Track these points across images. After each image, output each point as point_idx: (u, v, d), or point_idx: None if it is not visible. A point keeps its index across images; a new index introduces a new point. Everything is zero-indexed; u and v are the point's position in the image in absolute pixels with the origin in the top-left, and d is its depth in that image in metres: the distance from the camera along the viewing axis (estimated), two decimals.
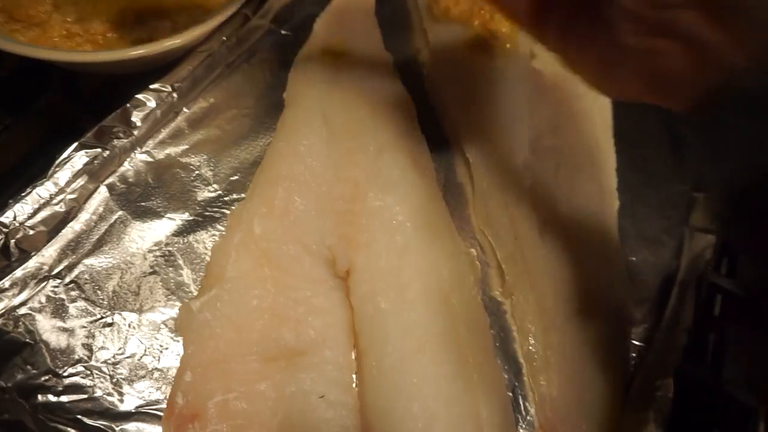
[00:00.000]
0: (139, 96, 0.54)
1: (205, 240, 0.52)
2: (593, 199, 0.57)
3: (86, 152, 0.50)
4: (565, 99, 0.62)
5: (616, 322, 0.52)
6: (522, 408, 0.48)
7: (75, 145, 0.50)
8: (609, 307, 0.52)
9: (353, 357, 0.47)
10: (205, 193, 0.54)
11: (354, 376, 0.46)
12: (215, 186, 0.54)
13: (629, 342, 0.52)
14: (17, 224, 0.48)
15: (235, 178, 0.55)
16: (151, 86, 0.54)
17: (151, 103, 0.54)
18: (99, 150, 0.51)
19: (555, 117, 0.61)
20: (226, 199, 0.54)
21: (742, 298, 0.58)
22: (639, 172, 0.62)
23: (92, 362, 0.45)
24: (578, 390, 0.48)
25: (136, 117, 0.53)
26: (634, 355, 0.51)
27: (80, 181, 0.50)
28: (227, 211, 0.53)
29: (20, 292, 0.47)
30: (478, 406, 0.44)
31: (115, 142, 0.52)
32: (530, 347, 0.50)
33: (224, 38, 0.59)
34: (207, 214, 0.53)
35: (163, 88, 0.55)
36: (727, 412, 0.54)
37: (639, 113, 0.65)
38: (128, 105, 0.53)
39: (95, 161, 0.51)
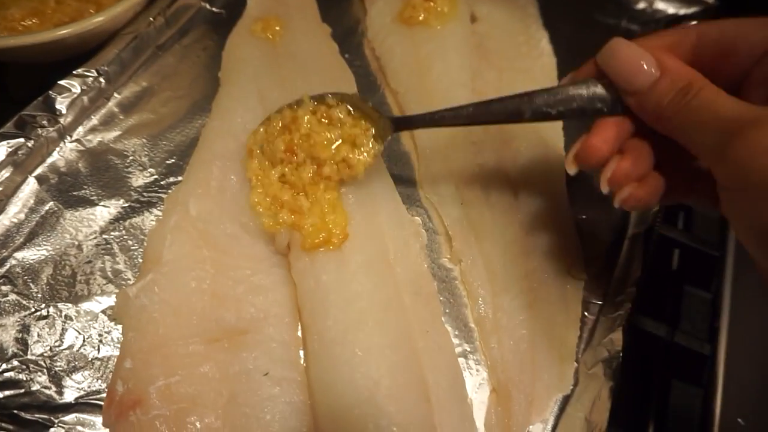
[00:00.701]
0: (62, 82, 0.52)
1: (143, 226, 0.50)
2: (539, 159, 0.56)
3: (8, 143, 0.49)
4: (508, 60, 0.62)
5: (566, 281, 0.51)
6: (475, 372, 0.47)
7: None
8: (559, 267, 0.52)
9: (299, 334, 0.46)
10: (140, 179, 0.52)
11: (301, 352, 0.46)
12: (151, 170, 0.53)
13: (581, 300, 0.51)
14: None
15: (172, 161, 0.54)
16: (75, 72, 0.53)
17: (76, 89, 0.52)
18: (22, 140, 0.49)
19: (498, 79, 0.60)
20: (162, 183, 0.53)
21: (700, 252, 0.58)
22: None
23: (28, 356, 0.43)
24: (530, 351, 0.48)
25: (61, 104, 0.51)
26: (586, 313, 0.51)
27: (5, 174, 0.49)
28: (164, 195, 0.52)
29: None
30: (423, 372, 0.43)
31: (40, 131, 0.50)
32: (480, 311, 0.50)
33: (151, 18, 0.57)
34: (143, 199, 0.51)
35: (88, 73, 0.53)
36: (684, 365, 0.54)
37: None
38: (50, 92, 0.51)
39: (19, 152, 0.49)
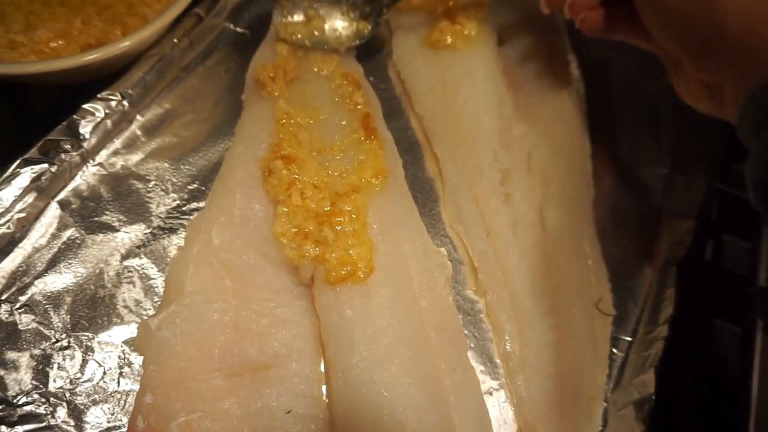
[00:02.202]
0: (86, 106, 0.51)
1: (164, 254, 0.50)
2: (567, 189, 0.55)
3: (32, 169, 0.48)
4: (535, 85, 0.60)
5: (594, 316, 0.50)
6: (501, 410, 0.46)
7: (18, 161, 0.48)
8: (587, 302, 0.50)
9: (322, 368, 0.45)
10: (162, 204, 0.52)
11: (323, 388, 0.45)
12: (173, 196, 0.52)
13: (609, 336, 0.50)
14: None
15: (194, 186, 0.53)
16: (99, 95, 0.52)
17: (100, 113, 0.52)
18: (46, 165, 0.49)
19: (525, 105, 0.59)
20: (184, 208, 0.52)
21: (729, 285, 0.57)
22: (615, 157, 0.60)
23: (48, 389, 0.43)
24: (557, 390, 0.47)
25: (85, 128, 0.51)
26: (615, 350, 0.49)
27: (28, 199, 0.48)
28: (186, 222, 0.51)
29: None
30: (450, 412, 0.42)
31: (63, 156, 0.50)
32: (507, 347, 0.49)
33: (176, 40, 0.57)
34: (165, 226, 0.51)
35: (112, 97, 0.52)
36: (714, 402, 0.53)
37: (614, 96, 0.64)
38: (75, 116, 0.51)
39: (43, 177, 0.49)
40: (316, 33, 0.54)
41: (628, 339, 0.50)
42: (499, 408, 0.46)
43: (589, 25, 0.51)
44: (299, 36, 0.55)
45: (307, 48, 0.58)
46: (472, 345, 0.49)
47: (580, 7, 0.50)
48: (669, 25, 0.44)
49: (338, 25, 0.55)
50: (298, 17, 0.55)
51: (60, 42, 0.55)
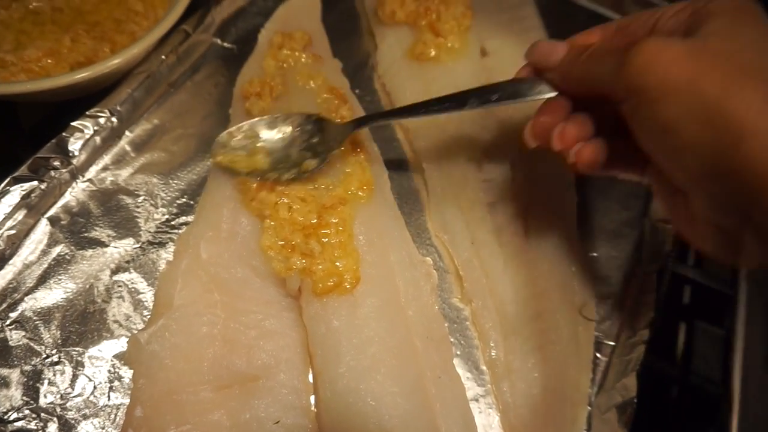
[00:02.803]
0: (75, 123, 0.52)
1: (153, 268, 0.50)
2: (550, 197, 0.56)
3: (22, 186, 0.49)
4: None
5: (578, 321, 0.51)
6: (487, 416, 0.47)
7: (8, 179, 0.49)
8: (570, 308, 0.51)
9: (310, 379, 0.46)
10: (152, 219, 0.53)
11: (312, 398, 0.45)
12: (162, 210, 0.53)
13: (593, 341, 0.51)
14: None
15: (183, 200, 0.54)
16: (88, 112, 0.53)
17: (89, 130, 0.52)
18: (35, 183, 0.49)
19: (509, 115, 0.60)
20: (173, 223, 0.53)
21: (711, 289, 0.58)
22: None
23: (39, 404, 0.43)
24: (542, 395, 0.48)
25: (74, 145, 0.52)
26: (598, 354, 0.50)
27: (18, 216, 0.49)
28: (175, 236, 0.52)
29: None
30: (436, 420, 0.43)
31: (53, 173, 0.51)
32: (492, 353, 0.49)
33: (163, 57, 0.58)
34: (154, 240, 0.51)
35: (101, 114, 0.53)
36: (697, 405, 0.54)
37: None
38: (64, 134, 0.52)
39: (32, 194, 0.49)
40: (256, 166, 0.51)
41: (611, 344, 0.51)
42: (485, 415, 0.47)
43: (585, 161, 0.42)
44: (235, 162, 0.52)
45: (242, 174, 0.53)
46: (458, 352, 0.49)
47: (571, 138, 0.42)
48: (685, 163, 0.35)
49: (281, 163, 0.51)
50: (240, 149, 0.52)
51: (49, 60, 0.56)
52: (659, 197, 0.43)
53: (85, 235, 0.51)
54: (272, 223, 0.49)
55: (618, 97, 0.38)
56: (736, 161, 0.32)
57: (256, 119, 0.54)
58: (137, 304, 0.48)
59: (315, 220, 0.50)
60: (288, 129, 0.53)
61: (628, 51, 0.36)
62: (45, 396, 0.44)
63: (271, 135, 0.53)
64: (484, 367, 0.49)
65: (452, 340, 0.50)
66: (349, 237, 0.49)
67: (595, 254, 0.55)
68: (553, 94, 0.45)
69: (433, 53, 0.61)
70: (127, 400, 0.44)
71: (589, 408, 0.47)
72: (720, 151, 0.33)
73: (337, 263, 0.48)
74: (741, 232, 0.35)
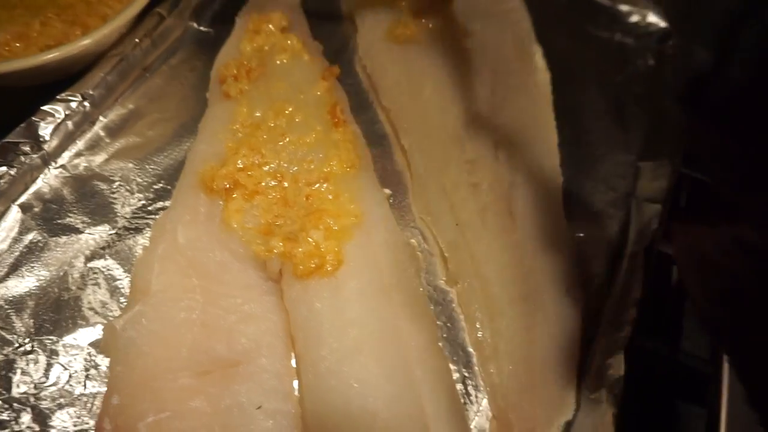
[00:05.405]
0: (46, 108, 0.51)
1: (130, 254, 0.49)
2: (535, 178, 0.55)
3: None
4: (501, 75, 0.61)
5: (564, 302, 0.50)
6: (474, 399, 0.46)
7: None
8: (557, 288, 0.51)
9: (293, 363, 0.45)
10: (128, 205, 0.51)
11: (295, 383, 0.44)
12: (138, 196, 0.52)
13: (580, 322, 0.50)
14: None
15: (160, 185, 0.52)
16: (58, 96, 0.51)
17: (60, 114, 0.51)
18: (5, 168, 0.48)
19: (491, 95, 0.59)
20: (150, 208, 0.51)
21: None
22: (582, 145, 0.60)
23: (11, 395, 0.42)
24: (530, 376, 0.47)
25: (44, 130, 0.50)
26: (585, 334, 0.49)
27: None
28: (152, 221, 0.50)
29: None
30: (422, 402, 0.42)
31: (23, 158, 0.49)
32: (478, 335, 0.49)
33: (137, 40, 0.56)
34: (131, 226, 0.50)
35: (72, 98, 0.52)
36: (686, 383, 0.53)
37: (579, 85, 0.64)
38: (34, 118, 0.50)
39: (1, 180, 0.48)
40: None
41: (599, 324, 0.50)
42: (472, 397, 0.46)
43: None
44: None
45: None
46: (444, 335, 0.49)
47: None
48: None
49: None
50: None
51: (18, 44, 0.54)
52: None
53: (59, 221, 0.49)
54: (251, 205, 0.48)
55: None
56: None
57: None
58: (113, 291, 0.47)
59: (295, 200, 0.49)
60: None
61: None
62: (18, 386, 0.42)
63: None
64: (470, 349, 0.48)
65: (438, 323, 0.49)
66: (331, 217, 0.48)
67: (581, 234, 0.55)
68: None
69: (413, 35, 0.60)
70: (104, 389, 0.43)
71: (576, 388, 0.47)
72: None
73: (319, 245, 0.47)
74: None
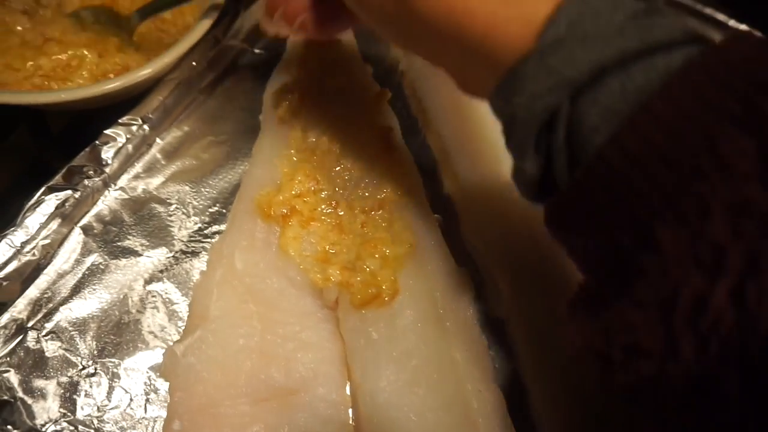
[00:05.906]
0: (108, 132, 0.52)
1: (187, 278, 0.50)
2: None
3: (56, 195, 0.48)
4: None
5: None
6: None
7: (43, 188, 0.48)
8: None
9: (347, 392, 0.45)
10: (184, 228, 0.52)
11: (350, 411, 0.45)
12: (194, 219, 0.52)
13: None
14: None
15: (215, 208, 0.53)
16: (120, 120, 0.52)
17: (121, 138, 0.52)
18: (69, 192, 0.49)
19: None
20: (206, 231, 0.52)
21: None
22: None
23: (76, 417, 0.43)
24: (580, 410, 0.46)
25: (107, 154, 0.51)
26: None
27: (53, 225, 0.48)
28: (208, 245, 0.51)
29: None
30: None
31: (86, 182, 0.50)
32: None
33: (194, 63, 0.57)
34: (187, 249, 0.51)
35: (133, 122, 0.53)
36: None
37: None
38: (97, 142, 0.51)
39: (66, 204, 0.49)
40: None
41: None
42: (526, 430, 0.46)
43: (308, 27, 0.47)
44: None
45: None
46: (496, 365, 0.48)
47: (294, 13, 0.47)
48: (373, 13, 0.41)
49: None
50: None
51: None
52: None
53: (118, 244, 0.50)
54: (308, 232, 0.48)
55: None
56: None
57: None
58: (171, 315, 0.48)
59: (350, 228, 0.49)
60: None
61: None
62: (82, 408, 0.43)
63: None
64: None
65: (491, 352, 0.49)
66: (386, 245, 0.48)
67: None
68: None
69: None
70: (163, 413, 0.44)
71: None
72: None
73: (376, 274, 0.47)
74: None
